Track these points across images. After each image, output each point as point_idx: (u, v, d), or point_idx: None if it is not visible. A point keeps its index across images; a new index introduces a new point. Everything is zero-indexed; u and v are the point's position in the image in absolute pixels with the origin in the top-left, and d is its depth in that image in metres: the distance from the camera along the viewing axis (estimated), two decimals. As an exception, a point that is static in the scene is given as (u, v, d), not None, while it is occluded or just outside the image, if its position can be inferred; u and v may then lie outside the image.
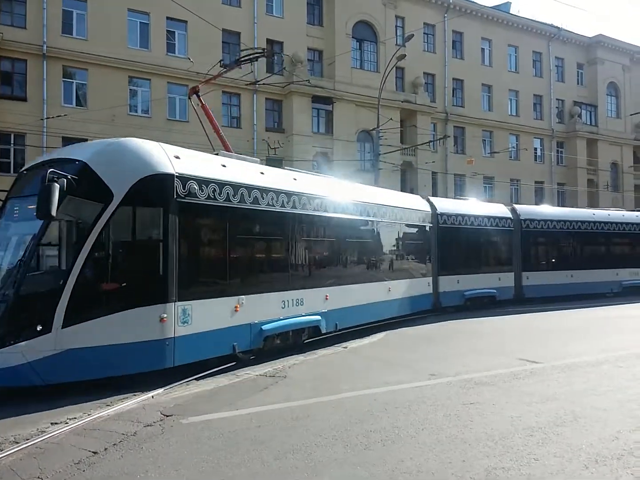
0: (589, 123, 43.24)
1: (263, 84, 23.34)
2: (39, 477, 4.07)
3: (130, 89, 26.52)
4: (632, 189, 44.01)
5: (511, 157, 39.77)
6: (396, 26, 34.72)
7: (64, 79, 24.77)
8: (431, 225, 15.25)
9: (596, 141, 42.56)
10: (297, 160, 29.08)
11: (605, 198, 42.55)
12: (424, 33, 35.98)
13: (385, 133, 26.98)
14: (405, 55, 24.08)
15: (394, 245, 13.46)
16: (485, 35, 38.87)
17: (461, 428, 5.12)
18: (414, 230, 14.50)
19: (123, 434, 5.04)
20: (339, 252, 10.82)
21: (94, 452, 4.60)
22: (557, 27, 41.81)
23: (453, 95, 37.72)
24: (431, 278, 14.94)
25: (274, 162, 30.13)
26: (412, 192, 34.34)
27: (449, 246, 15.91)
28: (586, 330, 11.93)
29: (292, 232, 9.38)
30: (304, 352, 9.18)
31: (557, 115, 42.63)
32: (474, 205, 18.09)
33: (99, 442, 4.83)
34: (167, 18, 27.02)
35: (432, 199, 16.34)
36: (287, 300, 8.96)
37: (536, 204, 41.24)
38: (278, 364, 8.13)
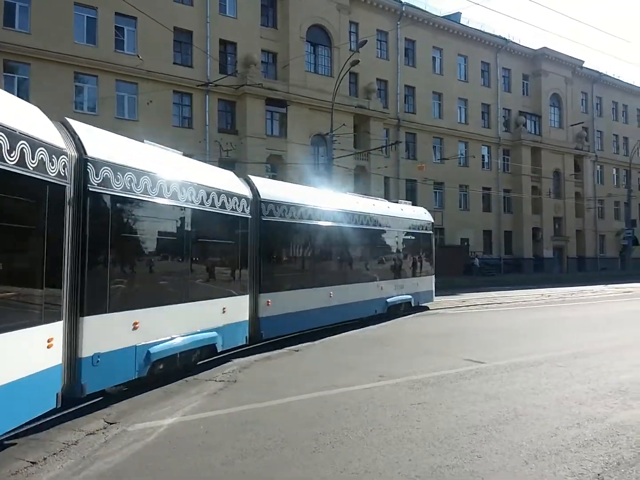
0: (533, 132, 45.12)
1: (216, 85, 23.06)
2: (-30, 492, 3.86)
3: (76, 85, 25.65)
4: (572, 196, 46.19)
5: (460, 163, 40.93)
6: (350, 31, 35.13)
7: (5, 74, 23.68)
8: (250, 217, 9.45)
9: (540, 150, 44.47)
10: (250, 163, 28.91)
11: (548, 205, 44.49)
12: (377, 40, 36.58)
13: (339, 137, 27.24)
14: (358, 61, 24.36)
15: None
16: (436, 44, 39.88)
17: (408, 428, 5.22)
18: (220, 224, 8.74)
19: (64, 444, 4.84)
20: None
21: (32, 463, 4.40)
22: (504, 39, 43.42)
23: (405, 102, 38.48)
24: (248, 296, 9.28)
25: (227, 164, 29.89)
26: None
27: (277, 249, 10.86)
28: (525, 332, 12.41)
29: None
30: (255, 354, 9.11)
31: (504, 124, 44.24)
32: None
33: (38, 452, 4.63)
34: (116, 14, 26.31)
35: (254, 178, 10.31)
36: None
37: (484, 211, 42.67)
38: (228, 368, 8.04)
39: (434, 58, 40.18)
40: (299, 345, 10.17)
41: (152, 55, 26.06)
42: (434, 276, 17.93)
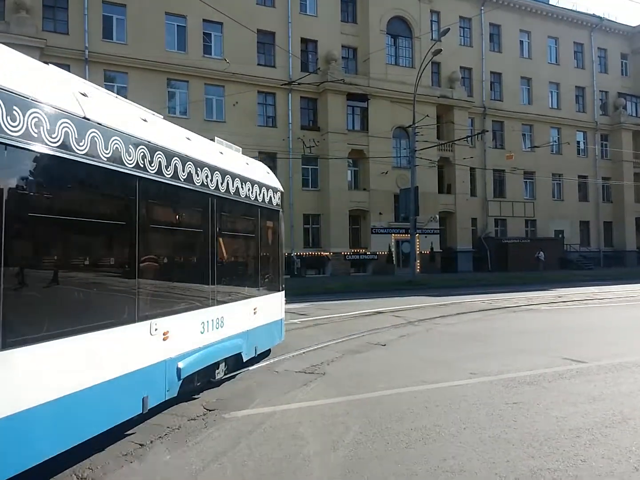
0: (634, 115, 41.68)
1: (298, 83, 23.41)
2: (89, 468, 4.22)
3: (168, 91, 27.17)
4: (681, 182, 42.23)
5: (553, 151, 38.77)
6: (431, 21, 34.33)
7: (105, 83, 25.52)
8: None
9: (642, 133, 41.02)
10: (332, 158, 29.15)
11: (653, 192, 40.99)
12: (460, 27, 35.49)
13: (422, 129, 26.76)
14: (441, 50, 23.74)
15: None
16: (523, 27, 37.97)
17: (504, 428, 5.03)
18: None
19: (168, 427, 5.16)
20: None
21: (141, 445, 4.73)
22: (599, 17, 40.52)
23: (491, 89, 37.05)
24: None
25: (310, 160, 30.31)
26: (449, 189, 34.31)
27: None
28: (623, 330, 11.51)
29: None
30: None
31: (601, 108, 41.31)
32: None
33: (145, 434, 4.96)
34: (204, 20, 27.56)
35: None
36: None
37: (580, 200, 39.96)
38: (316, 360, 8.17)
39: (521, 42, 38.29)
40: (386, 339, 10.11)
41: (237, 58, 27.01)
42: (283, 293, 8.97)
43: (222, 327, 6.49)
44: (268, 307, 8.13)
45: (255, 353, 7.63)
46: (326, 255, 30.49)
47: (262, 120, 29.71)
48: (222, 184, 6.51)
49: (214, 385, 6.60)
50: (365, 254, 31.61)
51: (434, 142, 30.04)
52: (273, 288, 8.47)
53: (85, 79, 20.79)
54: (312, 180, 31.15)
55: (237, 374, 7.20)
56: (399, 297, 18.60)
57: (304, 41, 30.77)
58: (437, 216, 32.83)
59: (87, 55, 24.86)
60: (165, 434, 5.00)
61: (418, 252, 29.09)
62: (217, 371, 6.64)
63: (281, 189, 9.00)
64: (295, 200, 29.92)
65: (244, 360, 7.30)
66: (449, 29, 23.91)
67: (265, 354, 8.45)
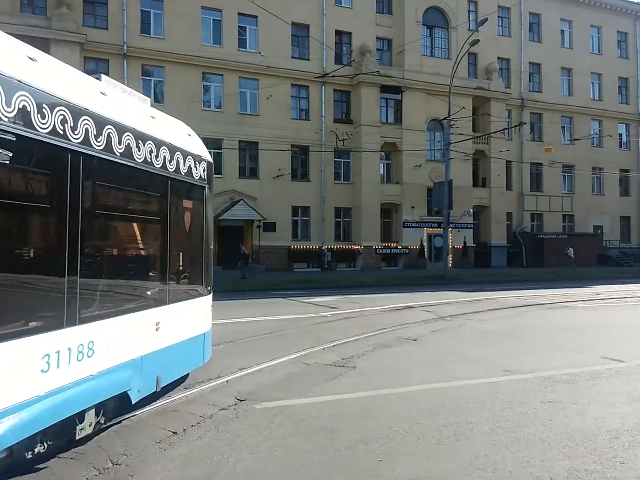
0: (682, 106, 39.95)
1: (332, 76, 23.31)
2: (124, 454, 4.32)
3: (203, 85, 27.44)
4: None
5: (593, 143, 37.58)
6: (469, 11, 33.63)
7: (142, 77, 25.98)
8: None
9: (690, 126, 39.30)
10: (365, 151, 29.00)
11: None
12: (498, 16, 34.62)
13: (457, 121, 26.31)
14: (478, 41, 23.25)
15: None
16: (564, 16, 36.83)
17: (539, 427, 4.92)
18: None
19: (200, 417, 5.25)
20: None
21: (174, 432, 4.82)
22: (645, 4, 38.89)
23: (529, 80, 36.13)
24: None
25: (342, 153, 30.22)
26: (484, 183, 33.61)
27: None
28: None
29: None
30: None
31: (645, 99, 39.70)
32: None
33: (178, 423, 5.06)
34: (239, 14, 27.71)
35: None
36: None
37: (621, 195, 38.58)
38: (346, 353, 8.16)
39: (562, 31, 37.15)
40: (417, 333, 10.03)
41: (271, 51, 27.08)
42: (209, 298, 6.65)
43: (90, 356, 4.20)
44: (183, 319, 5.82)
45: (158, 386, 5.26)
46: (357, 248, 30.39)
47: (295, 113, 29.73)
48: (97, 137, 4.22)
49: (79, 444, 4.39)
50: (396, 247, 31.38)
51: (469, 134, 29.49)
52: (192, 292, 6.15)
53: (124, 73, 21.03)
54: (344, 174, 31.06)
55: (121, 421, 4.93)
56: (430, 292, 18.41)
57: (338, 33, 30.59)
58: (471, 210, 32.28)
59: (126, 50, 25.29)
60: (198, 423, 5.09)
61: (451, 246, 28.71)
62: (79, 427, 4.29)
63: (209, 158, 6.44)
64: (327, 193, 29.91)
65: (133, 402, 4.85)
66: (486, 19, 23.36)
67: (181, 380, 6.22)
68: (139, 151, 4.88)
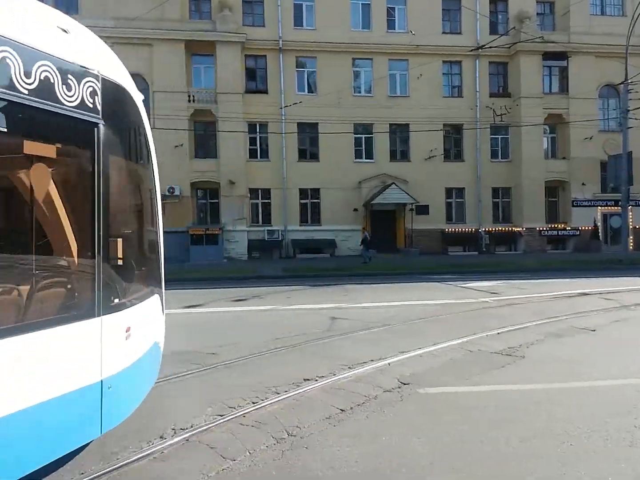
0: None
1: (488, 47, 21.95)
2: (297, 427, 4.57)
3: (353, 71, 27.71)
4: None
5: None
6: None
7: (297, 69, 27.07)
8: None
9: None
10: (525, 125, 27.01)
11: None
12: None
13: (636, 85, 23.14)
14: (663, -12, 20.02)
15: None
16: None
17: None
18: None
19: (365, 396, 5.34)
20: None
21: (342, 410, 4.97)
22: None
23: None
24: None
25: (500, 129, 28.44)
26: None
27: None
28: None
29: None
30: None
31: None
32: None
33: (345, 401, 5.20)
34: (388, -6, 27.39)
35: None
36: None
37: None
38: (513, 342, 7.67)
39: None
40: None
41: (421, 29, 26.42)
42: (124, 314, 3.58)
43: None
44: (52, 359, 2.99)
45: None
46: (518, 230, 28.51)
47: (447, 90, 28.65)
48: None
49: None
50: (564, 229, 28.81)
51: (652, 98, 25.71)
52: (71, 308, 3.40)
53: (280, 67, 22.11)
54: (501, 151, 29.24)
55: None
56: (607, 278, 16.53)
57: (493, 1, 28.66)
58: (656, 185, 28.21)
59: (281, 45, 26.56)
60: (364, 402, 5.17)
61: (631, 226, 25.47)
62: None
63: (115, 77, 3.61)
64: (483, 173, 28.46)
65: None
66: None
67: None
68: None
